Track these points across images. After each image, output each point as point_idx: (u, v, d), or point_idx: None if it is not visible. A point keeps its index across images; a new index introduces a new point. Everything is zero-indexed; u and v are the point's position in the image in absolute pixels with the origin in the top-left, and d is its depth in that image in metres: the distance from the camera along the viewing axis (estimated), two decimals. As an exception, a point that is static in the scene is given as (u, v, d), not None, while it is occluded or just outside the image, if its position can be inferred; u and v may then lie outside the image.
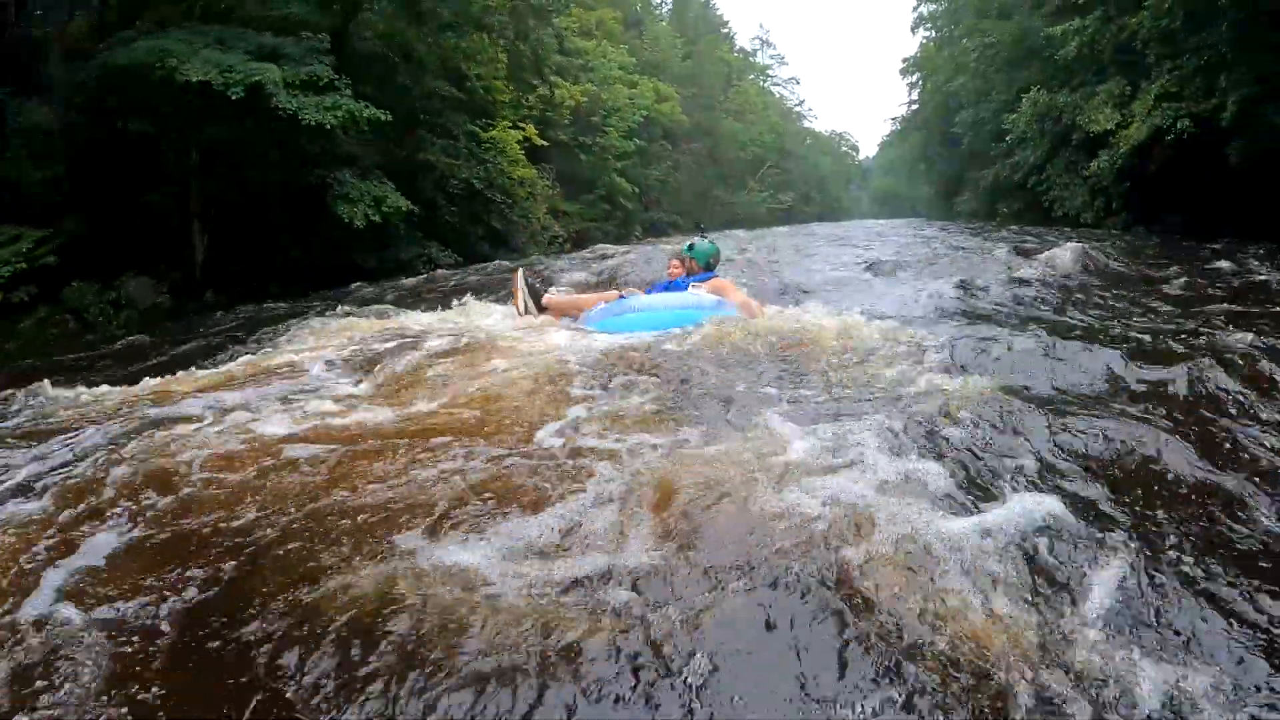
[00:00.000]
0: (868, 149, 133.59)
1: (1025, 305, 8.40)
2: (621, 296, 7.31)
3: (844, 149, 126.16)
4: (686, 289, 7.22)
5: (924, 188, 73.81)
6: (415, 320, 8.07)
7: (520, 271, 8.81)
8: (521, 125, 29.07)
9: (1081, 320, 7.44)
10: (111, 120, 16.14)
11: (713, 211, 57.08)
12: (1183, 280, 10.17)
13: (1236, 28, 17.11)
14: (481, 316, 8.03)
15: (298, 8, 19.28)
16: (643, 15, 63.37)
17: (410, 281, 17.61)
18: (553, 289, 9.41)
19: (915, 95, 66.00)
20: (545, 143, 31.17)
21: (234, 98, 14.60)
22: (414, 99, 22.70)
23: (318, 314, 10.13)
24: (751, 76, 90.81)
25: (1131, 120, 21.99)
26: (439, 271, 20.12)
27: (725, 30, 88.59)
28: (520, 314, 7.62)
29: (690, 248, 7.94)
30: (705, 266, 7.79)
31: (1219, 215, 19.86)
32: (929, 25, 59.99)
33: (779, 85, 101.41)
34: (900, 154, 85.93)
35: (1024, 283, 9.69)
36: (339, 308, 10.97)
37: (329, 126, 16.02)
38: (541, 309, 7.75)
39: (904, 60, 65.04)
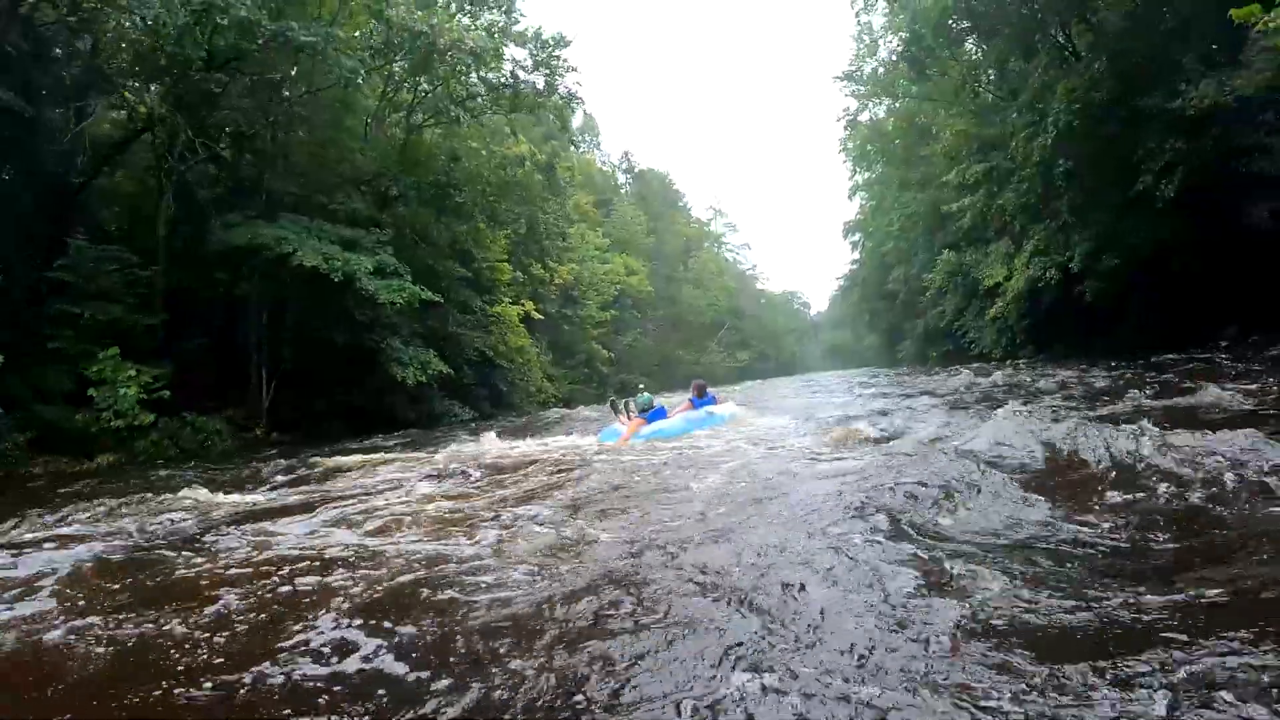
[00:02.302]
0: (820, 304, 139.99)
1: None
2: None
3: (796, 306, 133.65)
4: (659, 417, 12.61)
5: (869, 338, 79.64)
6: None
7: (611, 400, 14.57)
8: (521, 302, 34.24)
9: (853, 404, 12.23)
10: (209, 283, 20.81)
11: (676, 371, 62.01)
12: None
13: (1074, 202, 22.99)
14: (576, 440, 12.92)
15: (360, 205, 24.36)
16: (610, 195, 70.11)
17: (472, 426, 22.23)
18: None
19: (857, 254, 71.29)
20: (540, 316, 36.32)
21: (335, 280, 19.34)
22: (441, 278, 27.22)
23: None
24: (707, 244, 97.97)
25: (1014, 273, 27.59)
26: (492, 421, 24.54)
27: (682, 203, 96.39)
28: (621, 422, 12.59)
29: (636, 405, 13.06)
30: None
31: (1090, 340, 25.20)
32: (864, 193, 65.56)
33: (732, 251, 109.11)
34: (846, 309, 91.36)
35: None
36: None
37: (398, 305, 20.77)
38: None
39: (845, 224, 70.59)
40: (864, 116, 57.60)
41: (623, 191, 77.51)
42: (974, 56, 33.66)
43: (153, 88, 19.81)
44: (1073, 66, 23.09)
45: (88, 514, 7.53)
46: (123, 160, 20.95)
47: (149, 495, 8.58)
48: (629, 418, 12.68)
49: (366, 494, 7.73)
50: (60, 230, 19.10)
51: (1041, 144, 22.36)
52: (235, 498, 8.35)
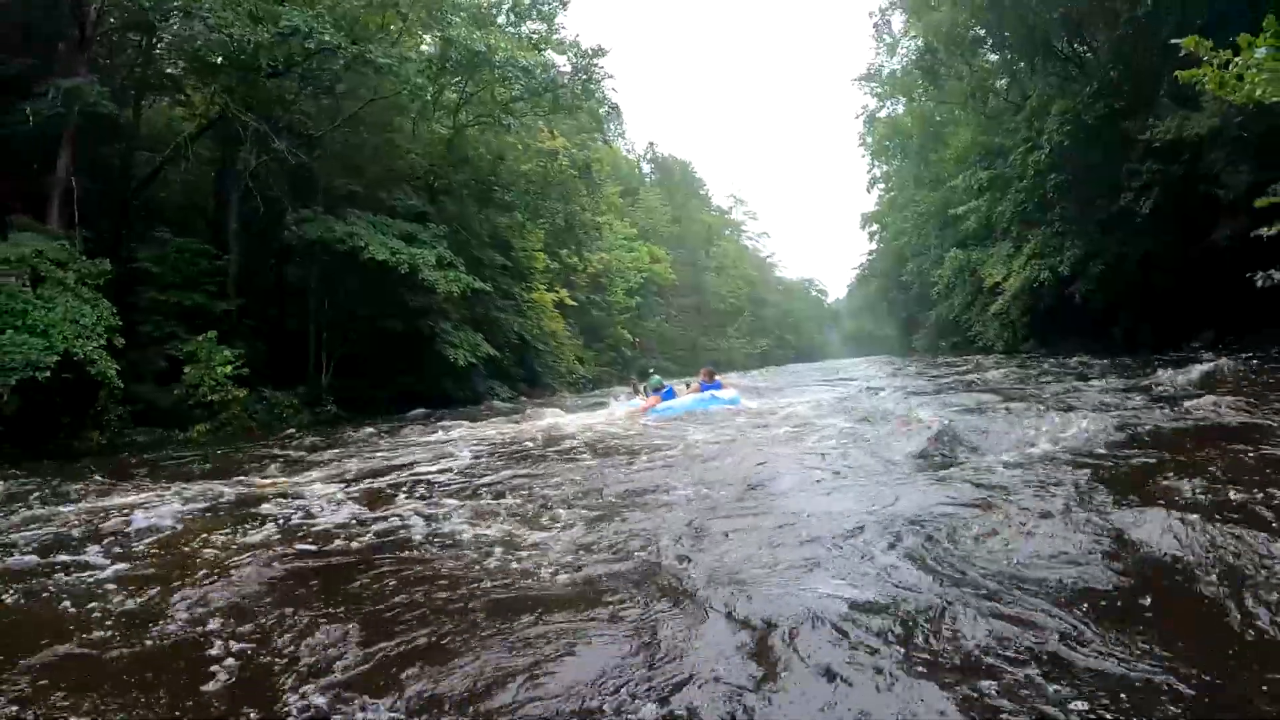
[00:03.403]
0: (837, 290, 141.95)
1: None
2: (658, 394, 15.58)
3: (814, 293, 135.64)
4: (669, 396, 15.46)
5: (887, 326, 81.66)
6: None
7: (634, 380, 17.16)
8: (556, 289, 36.61)
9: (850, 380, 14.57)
10: (278, 272, 23.22)
11: (700, 357, 63.43)
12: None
13: (1066, 212, 25.16)
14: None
15: (415, 200, 26.65)
16: (635, 184, 72.20)
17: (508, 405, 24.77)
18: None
19: (874, 245, 72.81)
20: (573, 302, 38.70)
21: (402, 272, 21.64)
22: (484, 266, 29.53)
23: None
24: (728, 232, 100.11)
25: (1012, 274, 29.78)
26: (522, 399, 27.07)
27: (704, 191, 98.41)
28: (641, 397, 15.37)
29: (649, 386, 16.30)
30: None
31: (1085, 338, 27.31)
32: (882, 185, 67.57)
33: (752, 239, 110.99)
34: (865, 297, 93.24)
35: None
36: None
37: (454, 293, 23.06)
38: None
39: (863, 215, 72.40)
40: (883, 112, 59.35)
41: (647, 181, 79.51)
42: (986, 65, 35.65)
43: (215, 88, 21.45)
44: (1067, 88, 25.22)
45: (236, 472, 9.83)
46: (182, 155, 22.49)
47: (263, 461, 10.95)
48: (645, 395, 15.87)
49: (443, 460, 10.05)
50: (126, 223, 21.48)
51: (1037, 159, 24.67)
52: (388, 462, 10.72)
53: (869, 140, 63.67)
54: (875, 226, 70.31)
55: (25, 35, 19.03)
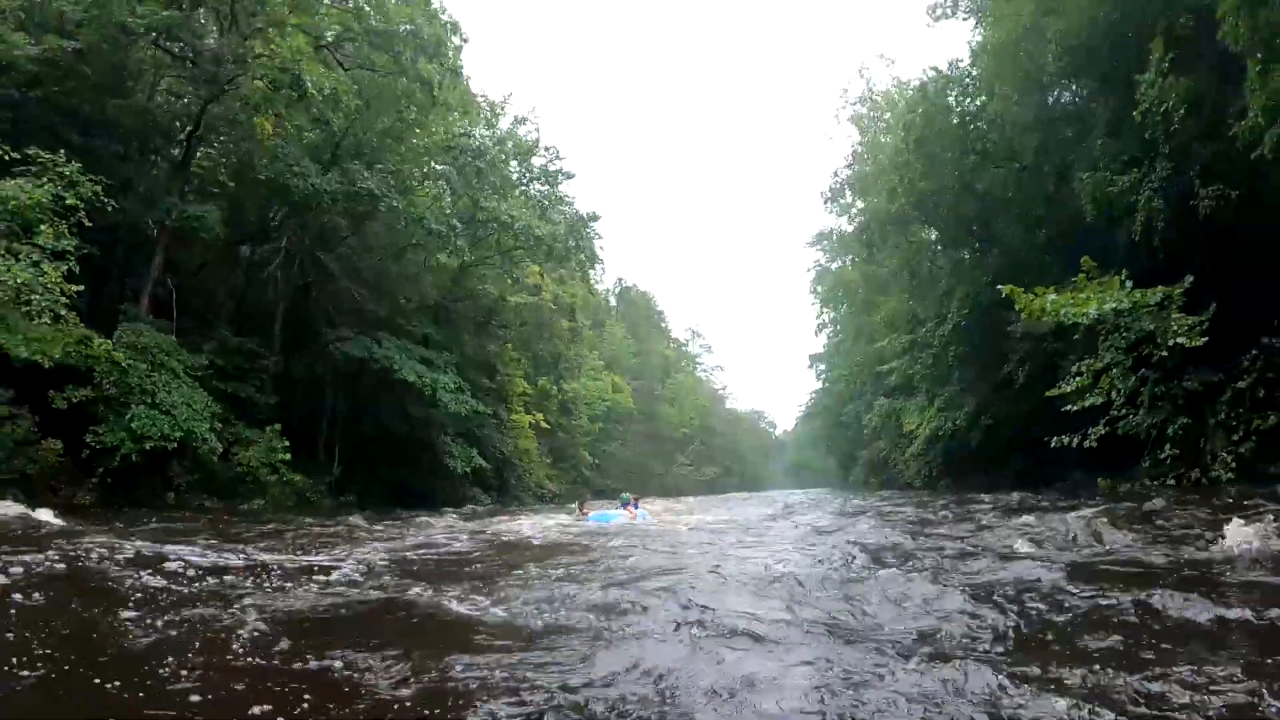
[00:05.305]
0: (785, 422, 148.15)
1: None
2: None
3: (763, 425, 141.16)
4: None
5: (828, 462, 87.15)
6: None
7: (579, 501, 22.41)
8: (532, 413, 41.44)
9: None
10: (284, 365, 27.08)
11: (648, 481, 68.45)
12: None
13: (963, 379, 30.91)
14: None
15: (429, 329, 31.32)
16: (604, 317, 77.34)
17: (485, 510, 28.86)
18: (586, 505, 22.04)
19: (820, 384, 79.05)
20: (546, 425, 43.48)
21: (425, 393, 26.12)
22: (477, 390, 33.73)
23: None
24: (684, 363, 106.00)
25: (923, 423, 35.38)
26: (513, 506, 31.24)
27: (663, 325, 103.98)
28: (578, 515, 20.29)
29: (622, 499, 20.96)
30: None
31: (987, 477, 32.51)
32: (829, 329, 72.59)
33: (706, 371, 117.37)
34: (809, 432, 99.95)
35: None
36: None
37: (462, 414, 27.66)
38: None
39: (811, 356, 78.78)
40: (834, 265, 65.53)
41: (613, 313, 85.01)
42: (920, 238, 41.73)
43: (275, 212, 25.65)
44: (973, 273, 31.19)
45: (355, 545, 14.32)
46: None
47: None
48: (620, 508, 20.43)
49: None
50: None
51: (943, 332, 30.54)
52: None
53: (818, 290, 69.69)
54: (822, 367, 76.35)
55: (125, 147, 23.04)
